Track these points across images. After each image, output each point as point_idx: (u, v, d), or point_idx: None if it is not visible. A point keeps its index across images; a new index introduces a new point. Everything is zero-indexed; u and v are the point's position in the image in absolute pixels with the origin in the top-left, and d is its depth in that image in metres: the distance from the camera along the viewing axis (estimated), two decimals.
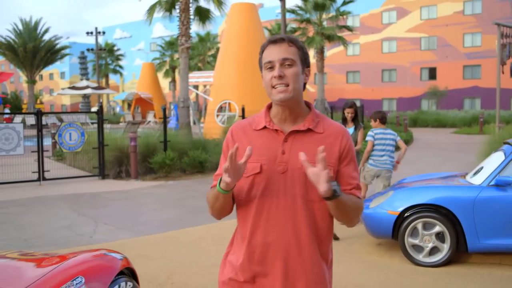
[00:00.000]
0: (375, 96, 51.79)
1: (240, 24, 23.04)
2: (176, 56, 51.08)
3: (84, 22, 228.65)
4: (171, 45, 51.17)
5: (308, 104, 2.17)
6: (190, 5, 17.71)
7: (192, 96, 62.39)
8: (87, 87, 28.29)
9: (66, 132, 12.45)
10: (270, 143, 2.07)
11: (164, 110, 14.27)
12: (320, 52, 30.45)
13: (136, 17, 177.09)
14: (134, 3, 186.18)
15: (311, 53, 43.88)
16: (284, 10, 24.03)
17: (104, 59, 56.88)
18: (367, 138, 7.49)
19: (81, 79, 58.40)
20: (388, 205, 5.90)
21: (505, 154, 5.78)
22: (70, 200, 10.20)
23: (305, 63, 2.09)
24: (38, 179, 12.24)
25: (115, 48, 59.19)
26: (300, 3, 30.99)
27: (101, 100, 43.94)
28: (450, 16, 47.44)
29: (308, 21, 30.82)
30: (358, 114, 7.85)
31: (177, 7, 18.27)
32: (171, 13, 18.76)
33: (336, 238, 6.78)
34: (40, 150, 12.24)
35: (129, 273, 3.33)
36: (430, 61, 48.75)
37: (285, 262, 2.02)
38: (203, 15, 18.81)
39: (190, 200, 10.15)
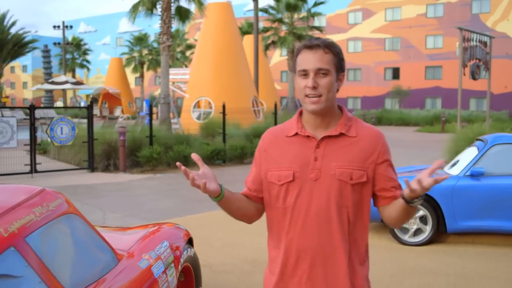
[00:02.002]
0: (340, 95, 52.41)
1: (216, 22, 23.69)
2: (145, 51, 51.28)
3: (44, 15, 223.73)
4: (140, 40, 51.29)
5: (340, 108, 2.15)
6: (172, 4, 18.31)
7: (158, 92, 62.54)
8: (66, 82, 28.46)
9: (57, 126, 12.90)
10: (302, 150, 2.06)
11: (150, 106, 14.84)
12: (292, 52, 31.33)
13: (100, 10, 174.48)
14: None
15: (284, 52, 44.91)
16: (257, 9, 24.79)
17: (70, 53, 56.44)
18: None
19: (44, 73, 57.89)
20: None
21: (478, 149, 6.71)
22: (67, 191, 10.70)
23: (340, 69, 2.09)
24: (30, 172, 12.65)
25: (82, 42, 58.76)
26: (272, 3, 31.82)
27: (90, 97, 43.64)
28: (413, 18, 49.14)
29: (280, 20, 31.70)
30: None
31: (158, 6, 18.83)
32: (152, 11, 19.31)
33: None
34: (32, 143, 12.67)
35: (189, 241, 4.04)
36: (394, 61, 50.39)
37: (323, 269, 2.01)
38: (183, 14, 19.43)
39: (183, 191, 10.80)
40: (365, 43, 52.08)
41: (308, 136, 2.07)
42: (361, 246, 2.10)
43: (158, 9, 18.91)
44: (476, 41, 19.81)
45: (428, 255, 6.11)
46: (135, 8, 18.88)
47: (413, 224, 6.53)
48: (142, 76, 53.30)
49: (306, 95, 2.02)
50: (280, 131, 2.17)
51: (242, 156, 16.08)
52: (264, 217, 2.23)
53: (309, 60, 2.02)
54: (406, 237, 6.57)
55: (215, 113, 21.49)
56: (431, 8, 48.47)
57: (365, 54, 51.95)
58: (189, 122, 21.88)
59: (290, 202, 2.04)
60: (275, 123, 18.75)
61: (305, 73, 2.02)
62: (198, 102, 23.88)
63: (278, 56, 55.02)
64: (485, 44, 20.44)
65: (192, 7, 19.75)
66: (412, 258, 5.99)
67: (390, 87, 49.08)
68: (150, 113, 14.74)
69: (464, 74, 19.20)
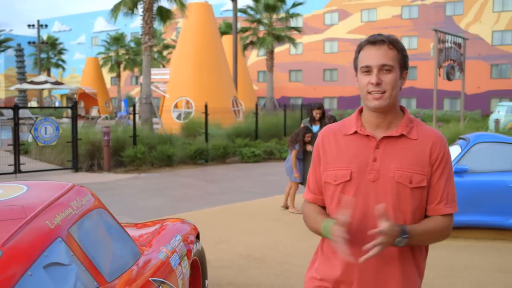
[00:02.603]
0: (317, 95, 53.57)
1: (196, 23, 23.79)
2: (121, 51, 50.99)
3: (17, 13, 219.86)
4: (116, 40, 50.99)
5: (402, 109, 2.07)
6: (154, 5, 18.40)
7: (135, 92, 62.20)
8: (45, 82, 28.21)
9: (42, 126, 12.89)
10: (361, 150, 2.00)
11: (134, 106, 14.92)
12: (270, 52, 31.60)
13: (75, 9, 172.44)
14: None
15: (261, 52, 45.12)
16: (235, 9, 24.99)
17: (45, 52, 55.80)
18: None
19: (17, 72, 57.06)
20: None
21: (461, 147, 7.01)
22: None
23: (404, 66, 2.01)
24: (14, 172, 12.62)
25: (57, 41, 58.17)
26: (251, 4, 32.06)
27: (74, 96, 43.05)
28: (389, 19, 49.88)
29: (259, 21, 31.95)
30: (324, 114, 8.94)
31: (139, 6, 18.91)
32: (133, 11, 19.35)
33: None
34: (16, 143, 12.65)
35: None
36: None
37: (375, 273, 1.96)
38: (164, 15, 19.50)
39: (171, 190, 10.94)
40: (341, 43, 52.65)
41: (367, 136, 2.01)
42: (420, 256, 2.03)
43: (139, 9, 18.98)
44: (450, 42, 20.31)
45: None
46: (116, 8, 18.90)
47: None
48: (119, 76, 52.99)
49: (369, 92, 1.96)
50: (338, 129, 2.10)
51: (225, 155, 16.26)
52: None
53: (372, 56, 1.95)
54: None
55: (196, 113, 21.61)
56: (406, 10, 49.30)
57: (341, 54, 52.50)
58: (169, 122, 21.95)
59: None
60: (256, 123, 18.97)
61: (368, 70, 1.96)
62: (176, 102, 23.95)
63: (255, 56, 55.26)
64: (459, 45, 20.95)
65: (173, 7, 19.84)
66: None
67: None
68: (134, 113, 14.82)
69: (440, 75, 19.70)
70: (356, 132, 2.03)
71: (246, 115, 24.82)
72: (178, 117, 23.53)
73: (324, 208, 2.13)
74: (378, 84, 1.92)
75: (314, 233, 2.09)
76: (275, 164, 15.71)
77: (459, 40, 21.01)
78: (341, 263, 1.99)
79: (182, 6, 19.04)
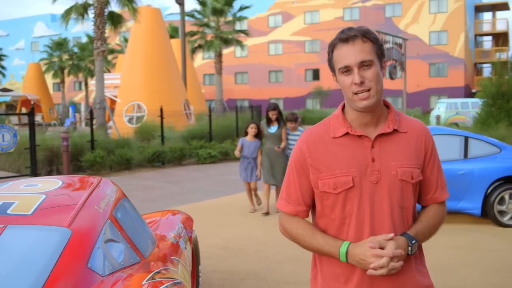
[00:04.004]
0: (263, 96, 54.37)
1: (146, 27, 23.91)
2: (65, 56, 50.10)
3: None
4: (59, 45, 50.03)
5: (385, 103, 1.96)
6: (105, 10, 18.48)
7: (79, 98, 61.11)
8: None
9: None
10: (356, 152, 1.88)
11: (91, 111, 15.00)
12: (219, 55, 32.00)
13: (11, 14, 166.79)
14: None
15: (206, 55, 45.42)
16: (183, 13, 25.28)
17: None
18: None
19: None
20: None
21: None
22: None
23: (382, 55, 1.89)
24: None
25: None
26: (198, 8, 32.39)
27: (32, 103, 41.71)
28: (331, 21, 51.26)
29: (206, 25, 32.31)
30: (281, 114, 9.15)
31: (90, 12, 18.94)
32: (83, 17, 19.32)
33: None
34: None
35: None
36: (314, 63, 52.29)
37: (390, 277, 1.84)
38: (116, 20, 19.59)
39: (135, 193, 11.17)
40: (285, 45, 53.70)
41: (360, 136, 1.89)
42: (420, 249, 2.00)
43: (90, 14, 19.00)
44: (391, 43, 21.36)
45: None
46: (67, 13, 18.84)
47: None
48: (63, 81, 51.98)
49: (354, 93, 1.83)
50: (322, 133, 1.95)
51: (181, 157, 16.57)
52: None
53: (348, 54, 1.83)
54: None
55: (148, 117, 21.75)
56: (347, 12, 50.84)
57: (285, 56, 53.56)
58: (122, 127, 21.98)
59: (350, 211, 1.87)
60: (210, 125, 19.33)
61: (347, 70, 1.84)
62: (131, 106, 23.99)
63: (200, 60, 55.45)
64: (399, 45, 22.06)
65: (123, 10, 19.95)
66: None
67: (311, 88, 50.89)
68: (91, 118, 14.90)
69: (384, 74, 20.69)
70: (346, 134, 1.90)
71: (197, 117, 25.13)
72: (130, 121, 23.59)
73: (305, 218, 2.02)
74: (362, 82, 1.81)
75: (301, 246, 1.96)
76: (231, 164, 16.14)
77: (399, 41, 22.12)
78: (349, 268, 1.89)
79: (134, 10, 19.19)
